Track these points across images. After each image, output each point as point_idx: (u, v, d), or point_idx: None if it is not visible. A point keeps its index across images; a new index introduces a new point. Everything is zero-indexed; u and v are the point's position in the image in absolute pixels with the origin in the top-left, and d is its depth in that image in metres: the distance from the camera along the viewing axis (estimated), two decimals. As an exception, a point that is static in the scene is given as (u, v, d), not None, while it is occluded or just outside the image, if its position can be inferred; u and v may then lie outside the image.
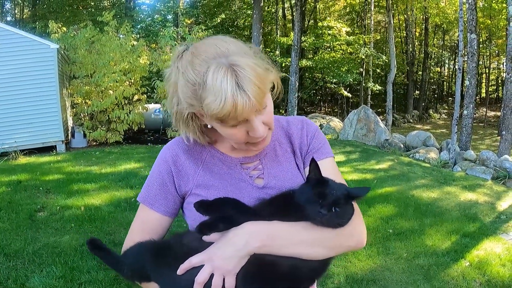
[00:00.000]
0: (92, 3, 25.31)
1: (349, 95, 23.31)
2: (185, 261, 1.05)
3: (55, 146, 10.39)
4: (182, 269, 1.04)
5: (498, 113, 24.92)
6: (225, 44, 1.05)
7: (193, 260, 1.04)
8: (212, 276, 1.01)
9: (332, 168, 1.27)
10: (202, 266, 1.03)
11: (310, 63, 20.10)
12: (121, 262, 1.20)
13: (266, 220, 1.06)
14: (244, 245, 1.01)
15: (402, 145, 11.50)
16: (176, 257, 1.08)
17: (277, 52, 22.09)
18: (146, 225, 1.25)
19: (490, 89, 36.06)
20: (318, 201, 1.03)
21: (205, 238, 1.06)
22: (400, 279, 3.90)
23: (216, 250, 1.03)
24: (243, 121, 1.05)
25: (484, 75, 35.05)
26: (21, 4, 26.47)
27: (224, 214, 1.08)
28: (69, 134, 11.69)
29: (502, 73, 33.72)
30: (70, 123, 12.30)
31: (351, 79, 20.08)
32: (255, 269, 1.03)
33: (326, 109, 29.11)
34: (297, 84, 17.65)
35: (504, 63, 18.58)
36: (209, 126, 1.13)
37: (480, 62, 29.43)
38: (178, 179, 1.22)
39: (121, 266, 1.19)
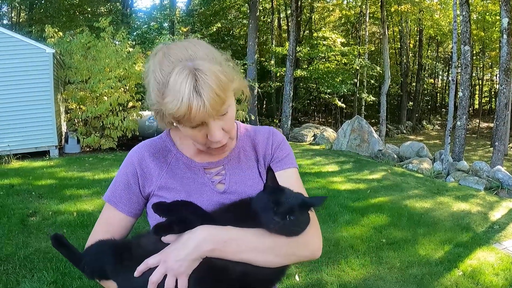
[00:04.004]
0: (89, 9, 25.23)
1: (343, 105, 23.39)
2: (141, 263, 1.07)
3: (49, 151, 10.35)
4: (139, 271, 1.07)
5: (491, 125, 25.04)
6: (194, 48, 1.09)
7: (149, 262, 1.06)
8: (165, 277, 1.03)
9: (293, 179, 1.29)
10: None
11: (305, 73, 20.13)
12: (82, 259, 1.21)
13: (222, 226, 1.08)
14: (195, 248, 1.03)
15: (395, 156, 11.55)
16: (133, 258, 1.10)
17: (272, 62, 22.15)
18: (109, 224, 1.27)
19: (483, 101, 36.32)
20: (272, 208, 1.04)
21: (163, 239, 1.08)
22: (393, 288, 3.90)
23: (170, 252, 1.05)
24: (201, 124, 1.08)
25: (477, 87, 35.32)
26: (18, 8, 26.38)
27: (181, 217, 1.09)
28: (63, 140, 11.64)
29: (495, 85, 33.93)
30: (64, 128, 12.25)
31: (345, 90, 20.16)
32: (207, 273, 1.05)
33: (320, 119, 29.18)
34: (292, 94, 17.72)
35: (497, 75, 18.72)
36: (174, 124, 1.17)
37: (474, 74, 29.66)
38: (142, 180, 1.25)
39: (82, 264, 1.20)
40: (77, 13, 23.99)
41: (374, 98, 23.48)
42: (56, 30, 12.33)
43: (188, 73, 1.01)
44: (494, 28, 21.58)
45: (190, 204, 1.14)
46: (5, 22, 25.55)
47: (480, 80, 34.60)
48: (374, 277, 4.12)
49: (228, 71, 1.09)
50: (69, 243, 1.24)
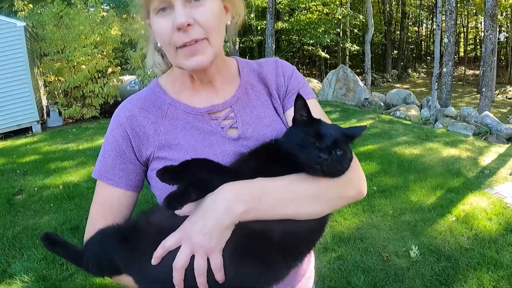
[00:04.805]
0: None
1: (327, 56, 23.13)
2: (158, 247, 0.86)
3: (31, 127, 10.14)
4: (156, 257, 0.86)
5: (477, 72, 25.07)
6: None
7: (167, 243, 0.86)
8: (193, 257, 0.84)
9: (317, 110, 1.10)
10: (179, 248, 0.85)
11: (286, 25, 19.82)
12: (83, 256, 1.01)
13: (247, 179, 0.89)
14: (225, 212, 0.83)
15: (382, 104, 11.48)
16: (146, 243, 0.90)
17: (252, 15, 21.66)
18: (106, 205, 1.06)
19: (468, 48, 36.14)
20: (314, 144, 0.86)
21: (178, 212, 0.87)
22: (387, 236, 3.90)
23: (193, 224, 0.85)
24: (168, 7, 0.93)
25: (462, 35, 35.04)
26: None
27: (195, 179, 0.88)
28: (44, 114, 11.39)
29: (480, 32, 33.74)
30: (44, 102, 11.96)
31: (328, 40, 19.91)
32: (244, 242, 0.85)
33: (305, 72, 28.90)
34: (274, 47, 17.35)
35: (482, 22, 18.46)
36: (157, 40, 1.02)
37: (458, 21, 29.34)
38: (136, 142, 1.03)
39: (84, 260, 1.00)
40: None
41: (358, 48, 23.25)
42: (26, 3, 11.89)
43: None
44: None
45: (204, 160, 0.92)
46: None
47: (464, 28, 34.29)
48: (367, 226, 4.11)
49: None
50: (63, 240, 1.05)
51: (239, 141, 1.04)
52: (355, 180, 0.98)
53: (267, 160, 0.93)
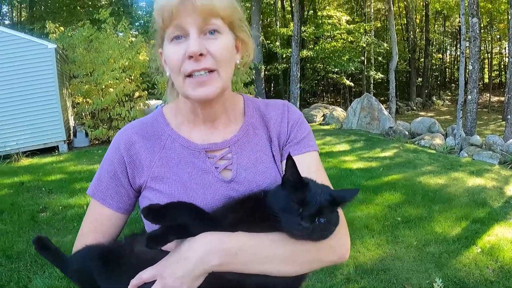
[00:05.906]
0: (89, 2, 25.17)
1: (351, 84, 23.17)
2: (135, 276, 0.92)
3: (57, 146, 10.34)
4: (132, 285, 0.92)
5: (502, 98, 24.66)
6: None
7: (144, 275, 0.91)
8: None
9: (314, 165, 1.10)
10: (154, 281, 0.90)
11: (311, 53, 19.97)
12: (68, 266, 1.06)
13: (228, 231, 0.91)
14: (199, 262, 0.87)
15: (407, 132, 11.38)
16: (126, 268, 0.95)
17: (278, 43, 21.93)
18: (97, 221, 1.10)
19: (493, 75, 35.73)
20: (297, 210, 0.87)
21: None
22: (411, 267, 3.81)
23: (168, 265, 0.89)
24: (183, 34, 0.95)
25: (486, 61, 34.71)
26: (18, 7, 26.41)
27: (177, 223, 0.92)
28: (71, 134, 11.63)
29: (504, 58, 33.46)
30: (71, 122, 12.25)
31: (352, 68, 19.98)
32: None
33: (329, 100, 28.97)
34: (299, 74, 17.50)
35: (507, 47, 18.34)
36: (165, 69, 1.05)
37: (482, 48, 29.14)
38: (131, 169, 1.06)
39: (69, 271, 1.06)
40: (78, 8, 23.95)
41: (382, 76, 23.26)
42: (57, 26, 12.30)
43: None
44: (501, 0, 21.11)
45: (188, 205, 0.96)
46: (7, 22, 25.67)
47: (489, 54, 34.00)
48: (390, 257, 4.03)
49: None
50: (54, 246, 1.10)
51: (230, 184, 1.04)
52: (337, 245, 0.99)
53: (251, 213, 0.94)
